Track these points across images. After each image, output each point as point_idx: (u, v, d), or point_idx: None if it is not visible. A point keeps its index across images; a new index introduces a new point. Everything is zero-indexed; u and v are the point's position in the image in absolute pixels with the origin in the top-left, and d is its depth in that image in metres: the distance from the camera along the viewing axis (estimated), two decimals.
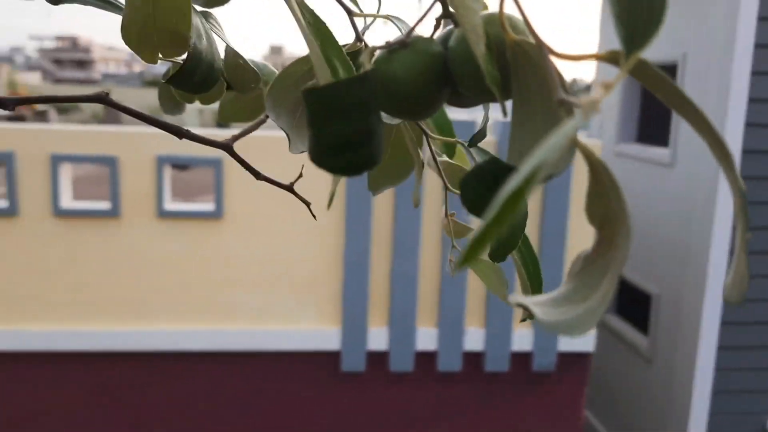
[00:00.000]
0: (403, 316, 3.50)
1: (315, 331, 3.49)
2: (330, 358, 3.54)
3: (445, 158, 0.55)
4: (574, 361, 3.70)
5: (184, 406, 3.53)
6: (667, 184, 4.63)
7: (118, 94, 20.00)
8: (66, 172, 3.41)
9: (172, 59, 0.37)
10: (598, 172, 0.32)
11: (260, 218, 3.35)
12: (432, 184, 3.35)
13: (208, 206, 3.43)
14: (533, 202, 3.52)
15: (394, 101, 0.32)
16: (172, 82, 0.36)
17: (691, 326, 4.29)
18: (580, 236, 3.60)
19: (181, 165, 4.11)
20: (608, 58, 0.30)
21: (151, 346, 3.40)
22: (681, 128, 4.50)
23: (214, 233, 3.38)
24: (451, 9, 0.32)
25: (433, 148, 0.53)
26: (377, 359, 3.56)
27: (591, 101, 0.27)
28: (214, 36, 0.40)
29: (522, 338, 3.60)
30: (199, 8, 0.44)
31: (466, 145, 0.51)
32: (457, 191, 0.59)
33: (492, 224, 0.20)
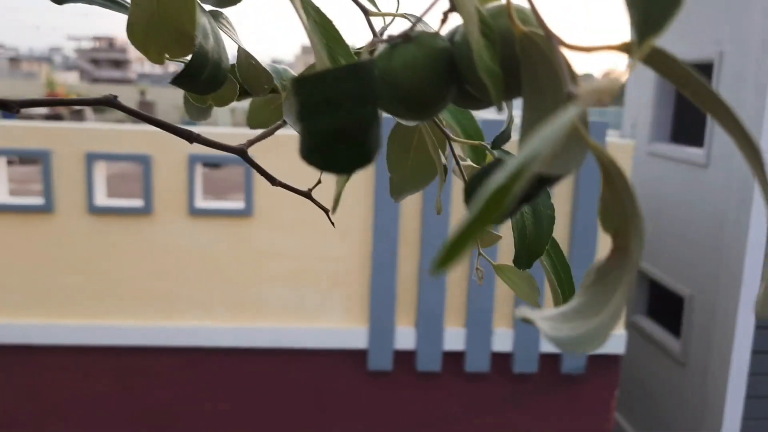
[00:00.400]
0: (430, 316, 3.49)
1: (342, 329, 3.50)
2: (357, 356, 3.55)
3: (469, 162, 0.54)
4: (604, 363, 3.66)
5: (211, 401, 3.57)
6: (702, 185, 4.55)
7: (153, 94, 20.25)
8: (100, 170, 3.47)
9: (180, 59, 0.37)
10: (611, 174, 0.30)
11: (289, 216, 3.37)
12: (459, 186, 3.33)
13: (238, 204, 3.46)
14: (563, 204, 3.49)
15: (395, 97, 0.31)
16: (177, 82, 0.36)
17: (725, 329, 4.21)
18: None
19: (212, 163, 4.15)
20: (621, 47, 0.28)
21: (182, 341, 3.45)
22: (716, 128, 4.42)
23: (244, 231, 3.41)
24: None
25: (456, 152, 0.52)
26: (404, 358, 3.56)
27: (591, 90, 0.25)
28: (224, 36, 0.40)
29: None
30: (209, 7, 0.44)
31: (489, 147, 0.51)
32: None
33: (474, 222, 0.19)
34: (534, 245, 0.51)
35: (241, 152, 0.45)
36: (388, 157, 0.53)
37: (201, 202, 3.45)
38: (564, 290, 0.57)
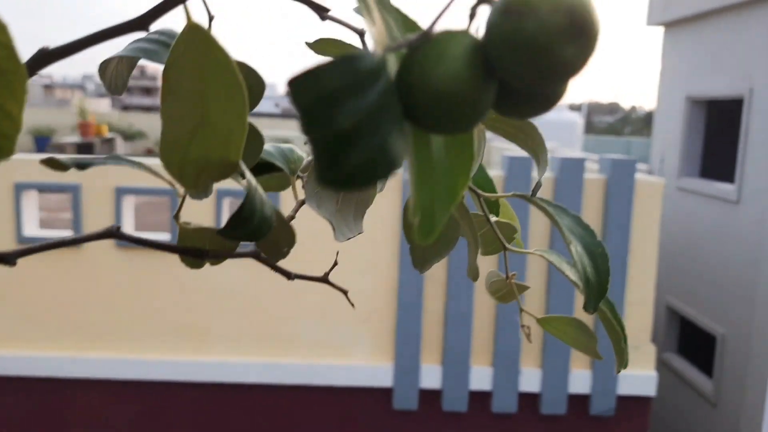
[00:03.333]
0: (457, 354, 3.45)
1: (368, 366, 3.47)
2: (382, 394, 3.51)
3: (494, 218, 0.53)
4: (634, 404, 3.58)
5: None
6: (734, 221, 4.48)
7: None
8: (129, 203, 3.51)
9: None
10: None
11: (318, 251, 3.37)
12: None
13: None
14: None
15: (420, 106, 0.26)
16: (225, 232, 0.34)
17: (760, 369, 4.10)
18: (639, 277, 3.51)
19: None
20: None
21: (208, 377, 3.44)
22: (747, 164, 4.35)
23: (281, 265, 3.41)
24: None
25: (484, 206, 0.51)
26: (430, 397, 3.51)
27: None
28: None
29: (580, 380, 3.50)
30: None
31: (528, 196, 0.48)
32: (515, 249, 0.57)
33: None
34: (598, 287, 0.49)
35: (254, 255, 0.44)
36: (405, 230, 0.50)
37: None
38: (618, 327, 0.54)
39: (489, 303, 3.44)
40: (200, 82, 0.30)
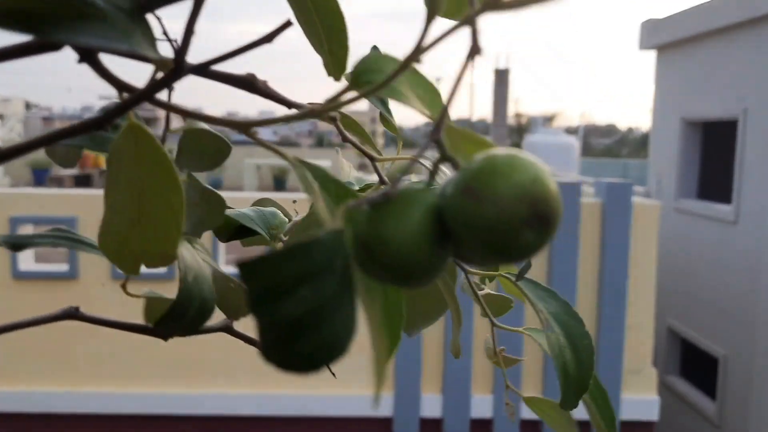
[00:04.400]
0: (457, 383, 3.42)
1: (367, 396, 3.44)
2: (382, 424, 3.47)
3: (487, 290, 0.52)
4: (637, 430, 3.54)
5: None
6: (732, 242, 4.47)
7: None
8: None
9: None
10: None
11: None
12: None
13: None
14: (590, 295, 3.42)
15: (376, 267, 0.25)
16: (160, 326, 0.34)
17: (763, 389, 4.06)
18: (638, 334, 3.49)
19: None
20: None
21: (206, 410, 3.40)
22: (744, 184, 4.36)
23: None
24: (450, 151, 0.26)
25: (471, 280, 0.50)
26: (431, 427, 3.47)
27: None
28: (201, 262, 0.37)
29: (581, 407, 3.46)
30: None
31: (513, 279, 0.48)
32: (503, 326, 0.56)
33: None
34: (579, 382, 0.47)
35: (226, 330, 0.44)
36: None
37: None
38: (605, 418, 0.53)
39: (489, 332, 3.41)
40: (138, 179, 0.31)
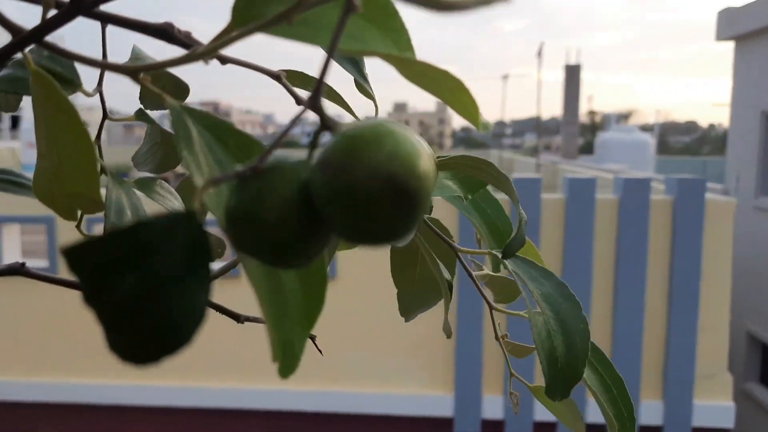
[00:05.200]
0: (520, 384, 3.34)
1: (427, 396, 3.40)
2: (443, 424, 3.42)
3: (486, 271, 0.49)
4: None
5: None
6: None
7: None
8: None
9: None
10: None
11: (372, 278, 3.34)
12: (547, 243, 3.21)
13: None
14: (605, 298, 3.28)
15: (245, 246, 0.24)
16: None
17: None
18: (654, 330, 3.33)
19: None
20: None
21: (260, 404, 3.44)
22: None
23: (328, 293, 3.39)
24: (330, 120, 0.24)
25: (465, 262, 0.47)
26: (493, 428, 3.40)
27: None
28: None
29: (651, 411, 3.33)
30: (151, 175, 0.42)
31: (500, 255, 0.44)
32: (502, 309, 0.52)
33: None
34: (569, 370, 0.43)
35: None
36: (392, 272, 0.48)
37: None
38: (620, 408, 0.49)
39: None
40: (52, 125, 0.31)
